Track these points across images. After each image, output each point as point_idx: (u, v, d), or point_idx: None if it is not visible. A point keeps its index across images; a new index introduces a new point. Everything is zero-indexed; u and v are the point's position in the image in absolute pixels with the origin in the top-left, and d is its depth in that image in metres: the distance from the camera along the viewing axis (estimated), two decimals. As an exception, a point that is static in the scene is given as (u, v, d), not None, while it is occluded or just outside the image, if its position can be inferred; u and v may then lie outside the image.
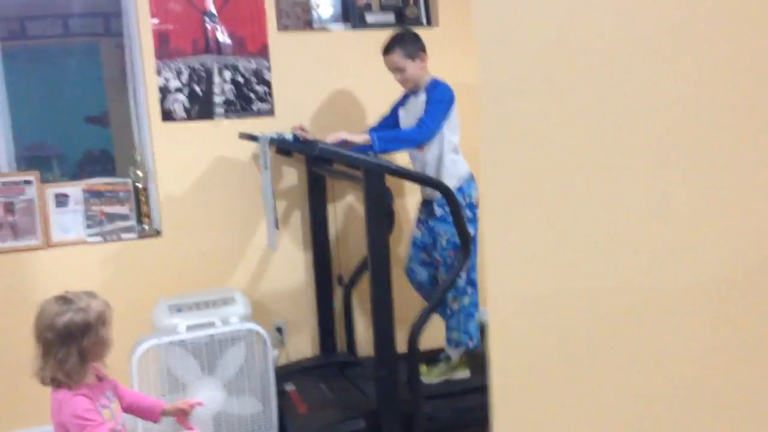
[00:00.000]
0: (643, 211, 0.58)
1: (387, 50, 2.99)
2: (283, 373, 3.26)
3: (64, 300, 1.84)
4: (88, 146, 3.89)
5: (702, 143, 0.53)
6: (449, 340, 3.16)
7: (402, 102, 3.19)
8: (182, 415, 2.07)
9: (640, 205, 0.58)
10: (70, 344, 1.79)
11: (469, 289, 3.05)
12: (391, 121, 3.23)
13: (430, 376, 3.20)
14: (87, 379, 1.85)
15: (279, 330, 3.46)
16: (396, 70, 3.00)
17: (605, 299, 0.62)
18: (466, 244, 2.85)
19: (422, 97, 3.02)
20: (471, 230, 2.93)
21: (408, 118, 3.09)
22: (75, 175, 3.71)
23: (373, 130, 3.22)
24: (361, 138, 2.94)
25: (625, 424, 0.64)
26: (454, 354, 3.20)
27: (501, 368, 0.68)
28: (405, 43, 2.98)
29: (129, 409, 2.00)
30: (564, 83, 0.64)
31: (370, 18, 3.52)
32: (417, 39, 3.01)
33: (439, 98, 2.93)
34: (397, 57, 2.97)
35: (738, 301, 0.51)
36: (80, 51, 3.84)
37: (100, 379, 1.92)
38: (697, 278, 0.54)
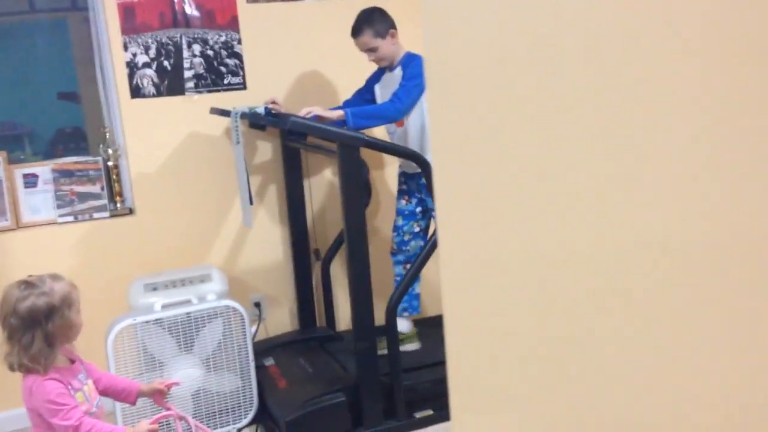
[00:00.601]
0: (599, 176, 0.57)
1: (356, 32, 2.95)
2: (263, 349, 3.26)
3: (27, 284, 1.80)
4: (61, 124, 3.82)
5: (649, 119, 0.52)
6: None
7: (377, 78, 3.15)
8: (159, 395, 2.05)
9: (596, 170, 0.57)
10: (35, 329, 1.76)
11: None
12: (367, 95, 3.18)
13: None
14: (57, 362, 1.82)
15: (257, 305, 3.45)
16: (368, 50, 2.97)
17: (557, 265, 0.61)
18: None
19: (398, 72, 2.98)
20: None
21: (385, 95, 3.05)
22: (48, 153, 3.64)
23: (347, 103, 3.18)
24: (335, 114, 2.91)
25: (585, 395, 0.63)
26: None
27: (455, 336, 0.68)
28: (373, 22, 2.93)
29: (104, 391, 1.98)
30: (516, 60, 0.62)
31: (342, -13, 3.46)
32: (384, 15, 2.96)
33: (415, 73, 2.89)
34: (368, 38, 2.93)
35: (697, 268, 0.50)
36: (48, 27, 3.75)
37: (72, 361, 1.90)
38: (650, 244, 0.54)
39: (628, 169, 0.53)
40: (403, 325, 3.19)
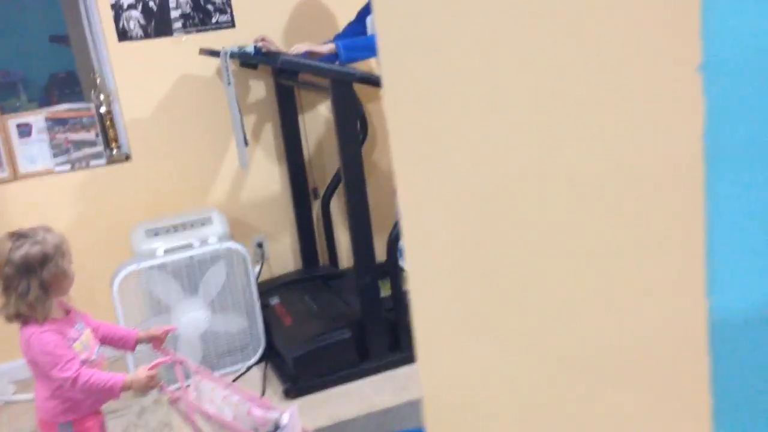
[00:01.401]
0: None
1: None
2: (268, 288, 3.28)
3: (19, 235, 1.82)
4: (54, 68, 3.78)
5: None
6: None
7: (369, 9, 3.06)
8: (157, 341, 2.08)
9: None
10: (30, 277, 1.78)
11: None
12: (358, 28, 3.09)
13: None
14: (53, 314, 1.84)
15: (260, 245, 3.46)
16: None
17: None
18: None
19: None
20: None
21: None
22: (43, 100, 3.61)
23: (338, 37, 3.11)
24: (326, 48, 2.84)
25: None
26: None
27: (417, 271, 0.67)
28: None
29: (102, 340, 2.00)
30: None
31: None
32: None
33: None
34: None
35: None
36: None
37: (67, 312, 1.92)
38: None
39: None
40: None
